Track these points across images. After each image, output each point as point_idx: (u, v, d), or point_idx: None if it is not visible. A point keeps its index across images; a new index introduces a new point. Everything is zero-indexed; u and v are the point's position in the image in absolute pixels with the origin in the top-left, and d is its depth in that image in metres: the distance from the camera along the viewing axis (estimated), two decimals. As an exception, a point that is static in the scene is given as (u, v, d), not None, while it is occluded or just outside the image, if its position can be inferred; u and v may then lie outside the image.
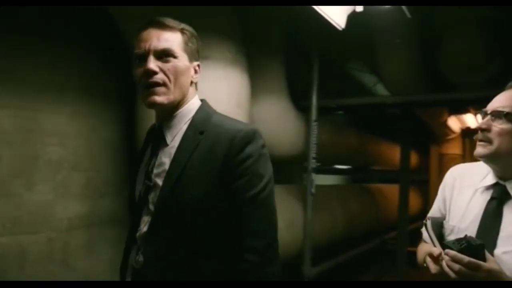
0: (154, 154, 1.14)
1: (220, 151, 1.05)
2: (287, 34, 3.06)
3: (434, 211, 1.22)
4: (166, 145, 1.12)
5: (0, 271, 1.99)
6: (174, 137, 1.11)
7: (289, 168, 3.81)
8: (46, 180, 2.19)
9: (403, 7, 2.12)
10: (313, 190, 2.95)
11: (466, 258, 0.91)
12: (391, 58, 3.19)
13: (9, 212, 2.04)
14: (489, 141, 1.03)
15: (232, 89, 2.41)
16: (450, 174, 1.21)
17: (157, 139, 1.15)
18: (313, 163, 2.99)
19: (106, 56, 2.54)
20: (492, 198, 1.06)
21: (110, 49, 2.53)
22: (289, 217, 2.88)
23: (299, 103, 3.28)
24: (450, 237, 1.05)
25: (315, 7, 1.88)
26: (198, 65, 1.17)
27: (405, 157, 4.25)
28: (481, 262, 0.91)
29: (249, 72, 2.63)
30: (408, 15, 2.19)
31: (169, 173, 1.08)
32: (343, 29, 2.21)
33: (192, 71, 1.14)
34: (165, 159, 1.10)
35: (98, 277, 2.43)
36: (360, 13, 2.17)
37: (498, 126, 1.02)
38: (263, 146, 1.10)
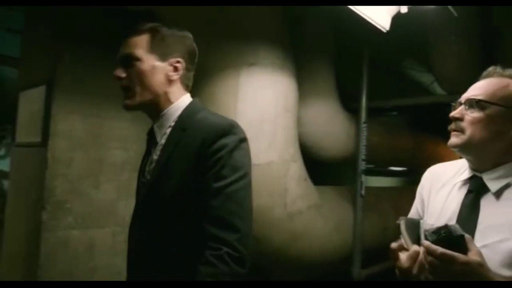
0: (149, 152, 1.21)
1: (196, 145, 1.07)
2: (336, 36, 3.08)
3: (412, 214, 1.16)
4: (156, 143, 1.17)
5: (73, 259, 2.24)
6: (163, 136, 1.16)
7: (340, 170, 3.80)
8: (111, 181, 2.41)
9: (449, 6, 2.06)
10: (362, 192, 2.94)
11: (439, 249, 0.83)
12: (446, 56, 3.08)
13: (80, 209, 2.29)
14: (462, 131, 0.99)
15: (279, 93, 2.48)
16: (427, 173, 1.17)
17: (151, 138, 1.21)
18: (362, 165, 2.98)
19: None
20: (469, 192, 1.01)
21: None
22: (338, 219, 2.89)
23: (350, 104, 3.27)
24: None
25: (356, 11, 1.90)
26: (178, 61, 1.15)
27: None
28: (456, 254, 0.82)
29: (297, 75, 2.68)
30: (455, 13, 2.12)
31: (153, 169, 1.14)
32: (394, 29, 2.20)
33: (169, 69, 1.14)
34: (155, 156, 1.15)
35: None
36: (407, 13, 2.15)
37: (470, 114, 0.98)
38: (240, 140, 1.10)
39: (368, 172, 3.10)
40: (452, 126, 1.01)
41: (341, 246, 2.88)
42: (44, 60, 2.34)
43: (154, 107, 1.16)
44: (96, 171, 2.36)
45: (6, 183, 3.37)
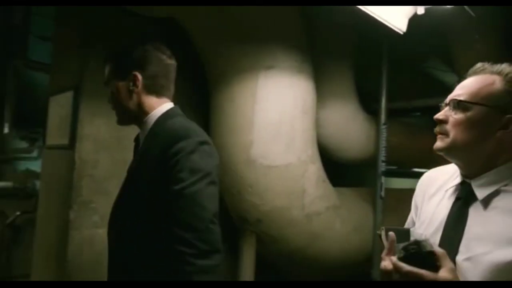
0: (134, 156, 1.35)
1: (159, 150, 1.16)
2: (354, 36, 3.07)
3: (408, 223, 1.11)
4: (139, 148, 1.31)
5: (98, 256, 2.33)
6: (143, 141, 1.28)
7: (361, 171, 3.78)
8: (134, 181, 2.50)
9: (466, 6, 2.03)
10: (382, 194, 2.93)
11: (405, 267, 0.79)
12: (469, 55, 3.02)
13: (106, 208, 2.37)
14: (446, 134, 0.93)
15: (297, 96, 2.51)
16: (422, 178, 1.10)
17: (137, 144, 1.36)
18: (382, 166, 2.96)
19: (183, 73, 2.81)
20: (457, 199, 0.94)
21: (187, 67, 2.80)
22: (357, 221, 2.89)
23: (370, 106, 3.26)
24: None
25: (372, 14, 1.91)
26: (134, 74, 1.23)
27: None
28: (423, 272, 0.78)
29: (316, 77, 2.71)
30: (472, 14, 2.09)
31: (127, 173, 1.28)
32: (415, 28, 2.19)
33: (129, 84, 1.24)
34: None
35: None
36: (428, 12, 2.14)
37: (454, 116, 0.92)
38: (200, 143, 1.16)
39: (390, 174, 3.08)
40: (437, 129, 0.96)
41: (361, 248, 2.88)
42: (71, 66, 2.46)
43: (136, 119, 1.28)
44: (120, 172, 2.42)
45: (38, 184, 3.54)
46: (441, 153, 0.94)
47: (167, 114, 1.26)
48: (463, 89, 0.94)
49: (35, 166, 3.93)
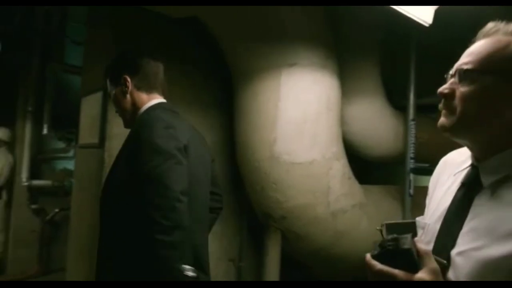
0: None
1: (132, 136, 1.35)
2: (380, 32, 3.01)
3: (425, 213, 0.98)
4: None
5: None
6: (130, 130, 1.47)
7: (390, 169, 3.69)
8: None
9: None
10: (411, 191, 2.85)
11: (377, 266, 0.71)
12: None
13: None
14: (451, 110, 0.78)
15: (321, 92, 2.49)
16: (439, 163, 0.97)
17: None
18: (411, 163, 2.88)
19: (208, 72, 2.86)
20: (462, 185, 0.82)
21: (212, 65, 2.85)
22: (386, 219, 2.82)
23: (399, 102, 3.18)
24: (422, 237, 0.84)
25: (394, 7, 1.87)
26: (124, 78, 1.45)
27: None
28: (396, 272, 0.69)
29: (340, 73, 2.68)
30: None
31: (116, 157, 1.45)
32: (447, 22, 2.12)
33: (122, 88, 1.46)
34: None
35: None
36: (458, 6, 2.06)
37: (460, 89, 0.77)
38: (165, 127, 1.29)
39: (419, 171, 2.98)
40: (441, 105, 0.81)
41: (389, 247, 2.81)
42: (101, 67, 2.55)
43: (134, 116, 1.48)
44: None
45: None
46: (446, 133, 0.80)
47: (152, 107, 1.45)
48: (471, 55, 0.79)
49: (71, 165, 4.10)
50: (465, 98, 0.76)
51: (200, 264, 1.35)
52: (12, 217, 4.61)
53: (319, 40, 2.51)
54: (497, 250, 0.69)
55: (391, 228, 0.80)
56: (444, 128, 0.80)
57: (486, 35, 0.80)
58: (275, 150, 2.39)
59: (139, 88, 1.46)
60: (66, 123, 4.29)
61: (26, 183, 4.38)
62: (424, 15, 1.99)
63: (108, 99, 2.41)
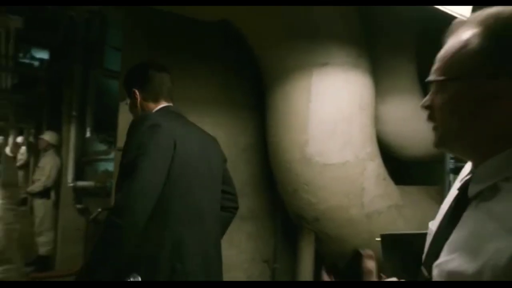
0: None
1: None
2: (416, 27, 2.91)
3: None
4: None
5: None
6: None
7: (428, 169, 3.56)
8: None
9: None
10: (451, 192, 2.73)
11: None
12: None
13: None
14: (435, 123, 0.74)
15: (354, 92, 2.45)
16: (464, 166, 0.87)
17: None
18: (451, 163, 2.77)
19: (240, 74, 2.89)
20: (458, 193, 0.76)
21: (244, 68, 2.87)
22: (423, 221, 2.72)
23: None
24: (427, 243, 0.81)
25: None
26: (134, 91, 1.61)
27: None
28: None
29: (374, 71, 2.61)
30: None
31: None
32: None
33: (133, 100, 1.62)
34: None
35: (237, 266, 2.77)
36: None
37: (436, 100, 0.72)
38: (150, 126, 1.39)
39: (459, 171, 2.86)
40: (427, 119, 0.76)
41: (427, 250, 2.72)
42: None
43: None
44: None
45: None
46: (439, 149, 0.76)
47: (155, 112, 1.59)
48: (439, 61, 0.73)
49: (112, 166, 4.26)
50: (442, 109, 0.71)
51: (180, 255, 1.39)
52: (60, 217, 4.87)
53: (351, 38, 2.47)
54: (461, 265, 0.62)
55: (384, 238, 0.80)
56: (435, 145, 0.76)
57: (451, 32, 0.73)
58: (307, 152, 2.37)
59: (146, 99, 1.61)
60: (107, 126, 4.47)
61: (71, 184, 4.59)
62: (462, 10, 1.91)
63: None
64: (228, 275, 2.06)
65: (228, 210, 1.71)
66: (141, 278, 1.29)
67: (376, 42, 2.71)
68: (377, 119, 2.70)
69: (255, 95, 2.88)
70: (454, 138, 0.72)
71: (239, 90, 2.91)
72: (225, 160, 1.74)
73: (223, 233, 1.70)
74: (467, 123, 0.69)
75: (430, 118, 0.75)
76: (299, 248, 2.62)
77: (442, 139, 0.73)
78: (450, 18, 2.00)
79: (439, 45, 0.76)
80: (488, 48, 0.65)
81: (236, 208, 1.78)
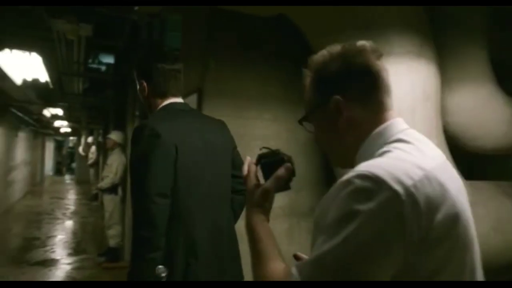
0: None
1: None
2: (487, 9, 2.69)
3: None
4: None
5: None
6: None
7: (503, 163, 3.29)
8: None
9: None
10: (529, 188, 2.50)
11: (252, 167, 0.95)
12: None
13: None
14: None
15: (417, 82, 2.32)
16: None
17: None
18: (529, 157, 2.53)
19: (296, 68, 2.85)
20: None
21: (300, 62, 2.83)
22: (497, 219, 2.52)
23: (513, 87, 2.82)
24: None
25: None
26: (142, 83, 1.64)
27: None
28: (251, 177, 0.92)
29: (442, 60, 2.46)
30: None
31: None
32: None
33: (142, 92, 1.65)
34: None
35: (297, 261, 2.75)
36: None
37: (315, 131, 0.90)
38: (149, 136, 1.43)
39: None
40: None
41: (502, 251, 2.51)
42: (195, 71, 2.72)
43: None
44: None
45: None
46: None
47: (159, 109, 1.62)
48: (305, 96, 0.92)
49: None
50: (316, 139, 0.92)
51: (194, 251, 1.47)
52: (127, 211, 5.16)
53: (413, 27, 2.34)
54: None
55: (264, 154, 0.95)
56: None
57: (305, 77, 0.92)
58: (367, 145, 2.28)
59: (154, 94, 1.64)
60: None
61: (136, 181, 4.83)
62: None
63: (202, 100, 2.56)
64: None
65: (240, 193, 1.74)
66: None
67: (442, 28, 2.55)
68: (444, 110, 2.54)
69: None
70: (336, 158, 0.92)
71: (297, 86, 2.88)
72: (234, 147, 1.78)
73: (237, 217, 1.74)
74: (337, 142, 0.88)
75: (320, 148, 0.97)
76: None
77: (334, 163, 0.94)
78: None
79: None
80: (318, 80, 0.87)
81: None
